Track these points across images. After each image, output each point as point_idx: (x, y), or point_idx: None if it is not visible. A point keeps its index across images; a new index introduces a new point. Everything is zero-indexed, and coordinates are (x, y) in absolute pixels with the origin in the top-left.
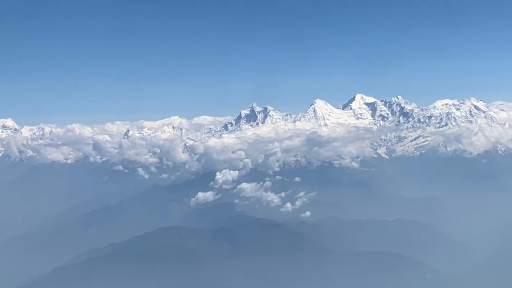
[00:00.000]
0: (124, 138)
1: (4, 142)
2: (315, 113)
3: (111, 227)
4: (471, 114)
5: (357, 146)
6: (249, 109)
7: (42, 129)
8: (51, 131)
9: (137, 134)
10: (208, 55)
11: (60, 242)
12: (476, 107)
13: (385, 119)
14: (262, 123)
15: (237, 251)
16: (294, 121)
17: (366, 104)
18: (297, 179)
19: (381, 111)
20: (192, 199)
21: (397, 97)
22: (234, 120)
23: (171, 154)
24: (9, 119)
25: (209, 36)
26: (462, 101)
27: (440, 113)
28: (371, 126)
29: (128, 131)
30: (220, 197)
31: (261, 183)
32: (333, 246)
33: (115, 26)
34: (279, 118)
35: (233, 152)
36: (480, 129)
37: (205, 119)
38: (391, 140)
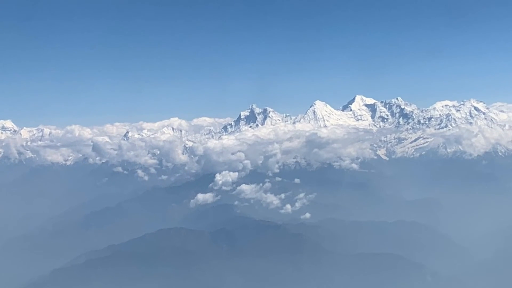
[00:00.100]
0: (124, 140)
1: (3, 144)
2: (314, 114)
3: (110, 229)
4: (471, 116)
5: (357, 147)
6: (249, 110)
7: (42, 130)
8: (50, 133)
9: (136, 136)
10: (207, 56)
11: (60, 243)
12: (476, 109)
13: (385, 120)
14: (262, 125)
15: (237, 252)
16: (294, 123)
17: (366, 105)
18: (296, 180)
19: (381, 112)
20: (192, 200)
21: (397, 99)
22: (233, 121)
23: (170, 156)
24: (8, 120)
25: (209, 37)
26: (462, 103)
27: (440, 115)
28: (371, 127)
29: (127, 132)
30: (219, 198)
31: (261, 184)
32: (332, 247)
33: (114, 28)
34: (279, 120)
35: (232, 154)
36: (480, 130)
37: (204, 121)
38: (391, 142)
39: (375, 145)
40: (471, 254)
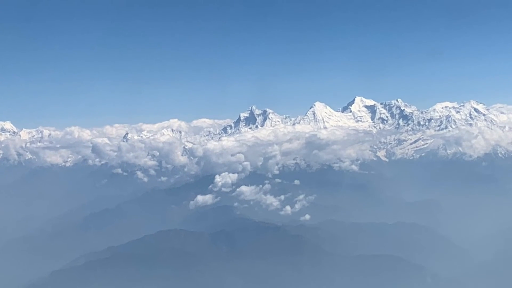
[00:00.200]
0: (123, 141)
1: (2, 145)
2: (314, 116)
3: (110, 230)
4: (471, 117)
5: (357, 149)
6: (249, 112)
7: (41, 132)
8: (50, 134)
9: (136, 137)
10: (207, 57)
11: (59, 245)
12: (476, 110)
13: (385, 122)
14: (262, 126)
15: (237, 254)
16: (294, 124)
17: (366, 106)
18: (296, 182)
19: (380, 114)
20: (191, 202)
21: (397, 100)
22: (233, 123)
23: (170, 157)
24: (7, 122)
25: (208, 38)
26: (462, 104)
27: (440, 116)
28: (370, 129)
29: (127, 134)
30: (219, 200)
31: (261, 186)
32: (332, 249)
33: (114, 29)
34: (279, 121)
35: (232, 155)
36: (480, 132)
37: (204, 122)
38: (390, 143)
39: (375, 147)
40: (471, 255)
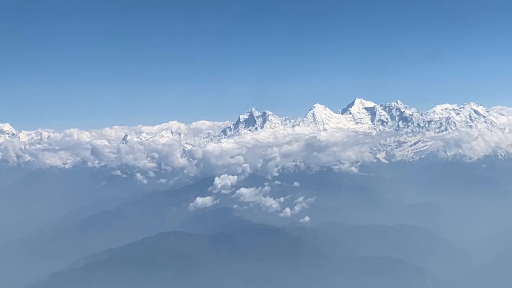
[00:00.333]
0: (122, 143)
1: (1, 147)
2: (314, 117)
3: (109, 232)
4: (471, 119)
5: (357, 151)
6: (248, 113)
7: (40, 134)
8: (49, 136)
9: (135, 139)
10: (206, 59)
11: (58, 247)
12: (476, 112)
13: (385, 123)
14: (261, 128)
15: (236, 256)
16: (293, 126)
17: (366, 108)
18: (296, 184)
19: (380, 115)
20: (191, 204)
21: (397, 102)
22: (232, 124)
23: (169, 159)
24: (6, 123)
25: (208, 40)
26: (461, 106)
27: (439, 118)
28: (370, 130)
29: (126, 135)
30: (218, 202)
31: (260, 188)
32: (332, 251)
33: (113, 30)
34: (278, 123)
35: (231, 157)
36: (480, 134)
37: (203, 124)
38: (390, 145)
39: (375, 149)
40: (471, 257)
